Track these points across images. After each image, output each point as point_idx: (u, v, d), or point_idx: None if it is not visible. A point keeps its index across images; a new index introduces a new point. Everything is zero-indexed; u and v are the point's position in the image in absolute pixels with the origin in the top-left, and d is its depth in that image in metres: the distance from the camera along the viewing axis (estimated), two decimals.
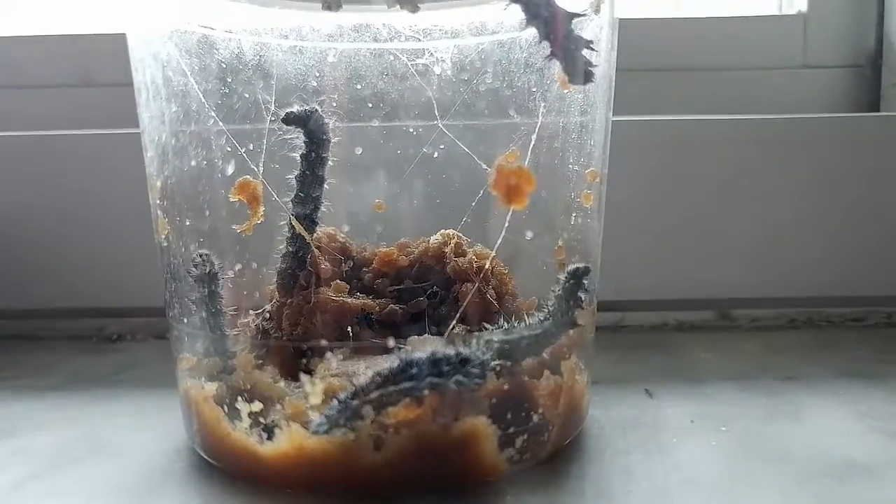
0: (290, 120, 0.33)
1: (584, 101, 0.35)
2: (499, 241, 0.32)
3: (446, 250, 0.37)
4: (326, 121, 0.34)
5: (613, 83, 0.36)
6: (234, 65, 0.35)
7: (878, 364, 0.46)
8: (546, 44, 0.31)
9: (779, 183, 0.55)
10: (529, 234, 0.34)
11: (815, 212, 0.55)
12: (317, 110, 0.34)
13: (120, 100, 0.54)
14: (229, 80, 0.35)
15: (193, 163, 0.34)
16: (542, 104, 0.34)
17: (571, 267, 0.33)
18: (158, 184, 0.34)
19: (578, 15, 0.31)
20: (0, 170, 0.56)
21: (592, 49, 0.31)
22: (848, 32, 0.62)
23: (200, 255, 0.34)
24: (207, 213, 0.34)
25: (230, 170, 0.34)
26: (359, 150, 0.38)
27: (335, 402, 0.28)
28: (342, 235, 0.38)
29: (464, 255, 0.37)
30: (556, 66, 0.33)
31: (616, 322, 0.56)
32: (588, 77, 0.32)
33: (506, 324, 0.33)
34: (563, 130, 0.35)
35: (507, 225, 0.31)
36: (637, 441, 0.35)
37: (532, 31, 0.34)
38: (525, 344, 0.33)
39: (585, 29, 0.33)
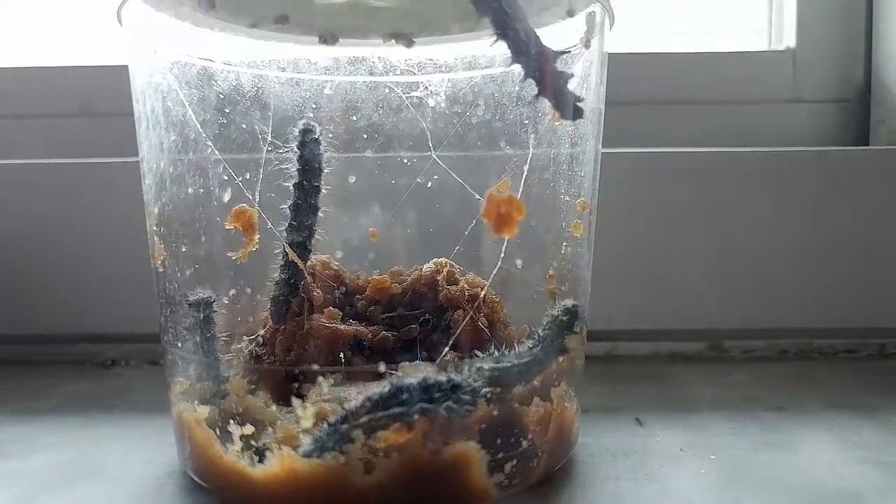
0: (307, 128, 0.34)
1: (575, 133, 0.35)
2: (495, 271, 0.33)
3: (439, 278, 0.37)
4: (321, 151, 0.35)
5: (603, 116, 0.37)
6: (233, 96, 0.36)
7: (870, 395, 0.47)
8: (532, 81, 0.31)
9: (769, 215, 0.56)
10: (520, 263, 0.35)
11: (806, 244, 0.56)
12: (318, 139, 0.35)
13: (118, 129, 0.55)
14: (227, 111, 0.35)
15: (190, 190, 0.35)
16: (533, 136, 0.35)
17: (563, 304, 0.34)
18: (156, 210, 0.35)
19: (564, 52, 0.32)
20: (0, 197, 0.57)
21: (572, 76, 0.32)
22: (836, 67, 0.63)
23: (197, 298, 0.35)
24: (203, 239, 0.35)
25: (226, 198, 0.35)
26: (352, 179, 0.38)
27: (325, 425, 0.28)
28: (336, 263, 0.38)
29: (456, 283, 0.37)
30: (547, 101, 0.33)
31: (608, 352, 0.56)
32: (578, 113, 0.33)
33: (497, 352, 0.33)
34: (553, 162, 0.36)
35: (503, 255, 0.32)
36: (627, 468, 0.35)
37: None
38: (516, 371, 0.33)
39: (576, 63, 0.34)
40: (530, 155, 0.35)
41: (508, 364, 0.33)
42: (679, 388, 0.49)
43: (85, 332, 0.57)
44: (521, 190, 0.32)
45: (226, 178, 0.35)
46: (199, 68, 0.35)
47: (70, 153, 0.59)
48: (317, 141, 0.35)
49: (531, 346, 0.34)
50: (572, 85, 0.32)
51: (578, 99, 0.32)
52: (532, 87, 0.33)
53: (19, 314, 0.57)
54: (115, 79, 0.60)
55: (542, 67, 0.31)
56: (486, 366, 0.32)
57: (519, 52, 0.30)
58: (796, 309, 0.56)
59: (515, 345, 0.34)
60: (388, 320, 0.37)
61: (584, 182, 0.36)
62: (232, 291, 0.36)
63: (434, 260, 0.38)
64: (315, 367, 0.32)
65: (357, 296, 0.38)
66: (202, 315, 0.34)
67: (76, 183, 0.56)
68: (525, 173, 0.34)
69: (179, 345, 0.35)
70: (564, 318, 0.33)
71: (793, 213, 0.56)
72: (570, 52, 0.32)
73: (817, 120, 0.63)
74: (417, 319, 0.37)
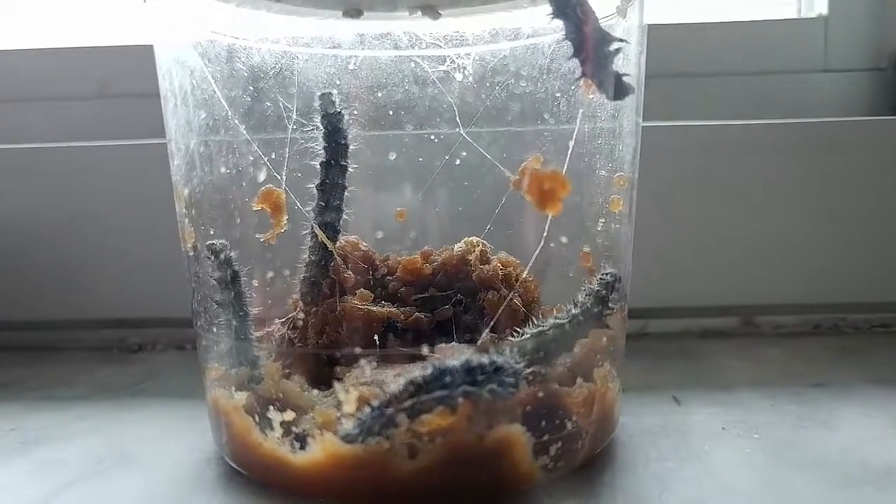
0: (325, 99, 0.33)
1: (613, 105, 0.34)
2: (537, 251, 0.32)
3: (470, 258, 0.36)
4: (346, 126, 0.34)
5: (643, 87, 0.36)
6: (257, 74, 0.35)
7: None
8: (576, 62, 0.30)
9: (801, 188, 0.54)
10: (555, 241, 0.34)
11: (839, 216, 0.55)
12: (339, 112, 0.34)
13: (137, 111, 0.54)
14: (252, 89, 0.35)
15: (223, 169, 0.34)
16: (576, 109, 0.34)
17: (604, 273, 0.33)
18: (185, 192, 0.34)
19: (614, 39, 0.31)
20: (20, 182, 0.56)
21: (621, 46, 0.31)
22: (869, 35, 0.61)
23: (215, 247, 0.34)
24: (238, 220, 0.34)
25: (261, 177, 0.34)
26: (391, 153, 0.38)
27: (368, 408, 0.28)
28: (364, 244, 0.38)
29: (488, 262, 0.36)
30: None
31: (639, 329, 0.56)
32: (626, 91, 0.32)
33: (534, 326, 0.32)
34: (590, 135, 0.35)
35: (546, 234, 0.31)
36: (669, 448, 0.35)
37: (555, 37, 0.34)
38: (553, 336, 0.32)
39: (614, 32, 0.33)
40: (577, 128, 0.33)
41: (546, 328, 0.32)
42: (713, 365, 0.48)
43: (110, 318, 0.56)
44: (566, 166, 0.31)
45: (251, 158, 0.34)
46: (225, 45, 0.34)
47: (90, 135, 0.58)
48: (339, 114, 0.34)
49: (568, 308, 0.33)
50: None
51: (622, 75, 0.31)
52: (564, 55, 0.32)
53: (44, 300, 0.57)
54: (131, 60, 0.60)
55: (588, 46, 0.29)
56: (525, 337, 0.31)
57: (571, 27, 0.29)
58: (829, 283, 0.55)
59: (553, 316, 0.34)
60: (420, 302, 0.36)
61: (623, 156, 0.35)
62: (270, 274, 0.35)
63: (465, 239, 0.37)
64: (357, 350, 0.31)
65: (388, 277, 0.37)
66: (233, 293, 0.33)
67: (98, 166, 0.56)
68: (571, 148, 0.33)
69: (213, 329, 0.34)
70: (605, 281, 0.32)
71: (825, 185, 0.54)
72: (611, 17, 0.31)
73: (850, 89, 0.61)
74: (450, 300, 0.36)
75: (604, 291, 0.32)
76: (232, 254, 0.33)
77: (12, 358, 0.54)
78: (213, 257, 0.33)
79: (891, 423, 0.37)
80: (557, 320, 0.32)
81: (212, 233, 0.35)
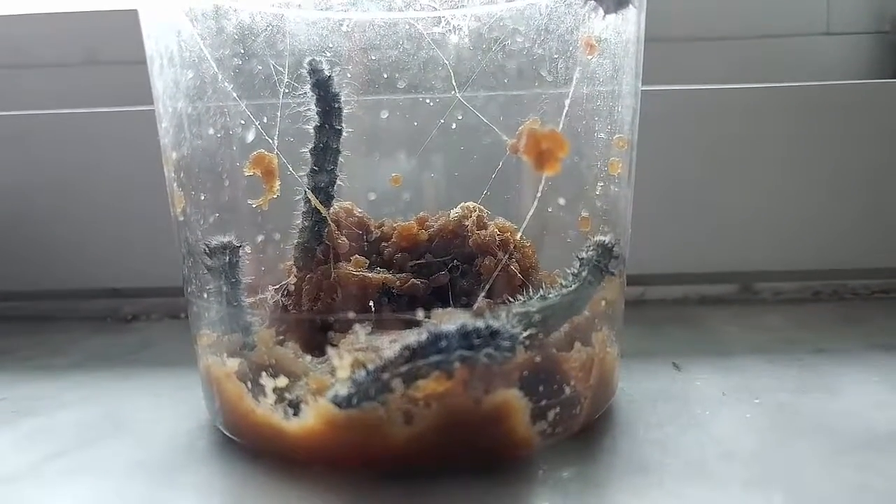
0: (314, 68, 0.32)
1: (612, 66, 0.33)
2: (531, 212, 0.31)
3: (467, 223, 0.36)
4: (337, 90, 0.33)
5: (642, 47, 0.35)
6: (247, 36, 0.34)
7: None
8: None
9: (802, 152, 0.54)
10: (552, 206, 0.33)
11: (840, 181, 0.54)
12: (331, 76, 0.33)
13: (126, 77, 0.53)
14: (242, 52, 0.34)
15: (211, 131, 0.33)
16: (569, 69, 0.33)
17: (594, 241, 0.32)
18: (174, 156, 0.33)
19: None
20: (8, 150, 0.55)
21: None
22: None
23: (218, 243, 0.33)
24: (227, 183, 0.33)
25: (250, 137, 0.33)
26: (384, 114, 0.37)
27: (363, 371, 0.27)
28: (359, 210, 0.37)
29: (485, 227, 0.36)
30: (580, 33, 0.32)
31: (638, 296, 0.55)
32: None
33: (533, 295, 0.32)
34: (588, 97, 0.34)
35: (539, 195, 0.30)
36: (669, 414, 0.34)
37: None
38: (566, 303, 0.31)
39: None
40: (572, 89, 0.33)
41: (557, 296, 0.31)
42: (712, 332, 0.48)
43: (104, 287, 0.56)
44: (561, 124, 0.30)
45: (242, 122, 0.33)
46: (213, 6, 0.33)
47: (80, 102, 0.57)
48: (329, 79, 0.33)
49: (574, 273, 0.32)
50: None
51: None
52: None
53: (37, 270, 0.56)
54: (119, 25, 0.58)
55: None
56: (532, 308, 0.31)
57: None
58: (830, 249, 0.55)
59: (546, 286, 0.33)
60: (416, 268, 0.36)
61: (623, 117, 0.34)
62: (260, 237, 0.34)
63: (462, 204, 0.37)
64: (351, 314, 0.31)
65: (383, 243, 0.37)
66: (227, 260, 0.33)
67: (89, 134, 0.55)
68: (567, 107, 0.32)
69: (204, 295, 0.33)
70: (594, 255, 0.32)
71: (826, 150, 0.54)
72: None
73: (853, 52, 0.60)
74: (446, 266, 0.36)
75: (595, 260, 0.32)
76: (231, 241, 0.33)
77: (4, 327, 0.54)
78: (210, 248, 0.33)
79: (893, 388, 0.37)
80: (564, 289, 0.32)
81: (202, 198, 0.34)
